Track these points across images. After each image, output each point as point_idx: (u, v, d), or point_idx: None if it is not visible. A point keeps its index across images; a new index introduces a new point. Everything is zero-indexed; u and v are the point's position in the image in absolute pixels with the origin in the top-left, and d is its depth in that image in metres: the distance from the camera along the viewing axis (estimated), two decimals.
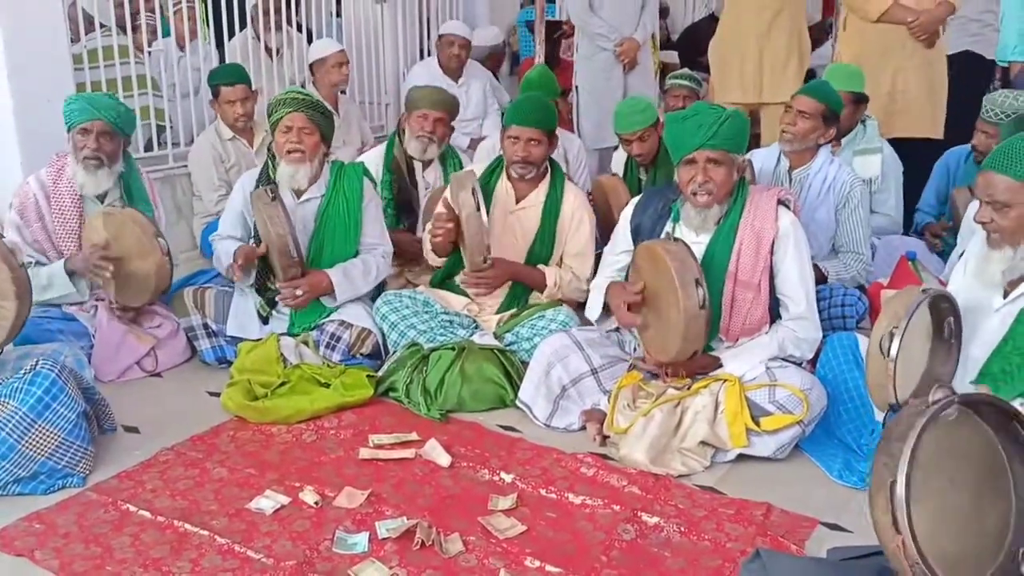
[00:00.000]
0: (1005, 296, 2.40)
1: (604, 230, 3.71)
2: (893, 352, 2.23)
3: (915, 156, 4.06)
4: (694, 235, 2.83)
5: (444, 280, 3.50)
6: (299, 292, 3.23)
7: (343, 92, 4.97)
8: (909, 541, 1.40)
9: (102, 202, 3.34)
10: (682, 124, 2.75)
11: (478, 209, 3.10)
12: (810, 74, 4.95)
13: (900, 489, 1.42)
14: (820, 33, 5.97)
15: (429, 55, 5.85)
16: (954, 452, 1.55)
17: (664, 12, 7.04)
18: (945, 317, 2.42)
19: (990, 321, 2.41)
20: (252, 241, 3.38)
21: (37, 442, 2.47)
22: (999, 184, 2.23)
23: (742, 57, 4.74)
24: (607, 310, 2.96)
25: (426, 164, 3.98)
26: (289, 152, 3.24)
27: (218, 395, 3.07)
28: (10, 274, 2.56)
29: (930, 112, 4.52)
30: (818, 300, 3.12)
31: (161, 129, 4.53)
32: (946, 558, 1.46)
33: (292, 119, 3.23)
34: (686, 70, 4.99)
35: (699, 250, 2.76)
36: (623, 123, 3.96)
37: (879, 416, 2.64)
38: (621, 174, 4.00)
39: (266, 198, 3.16)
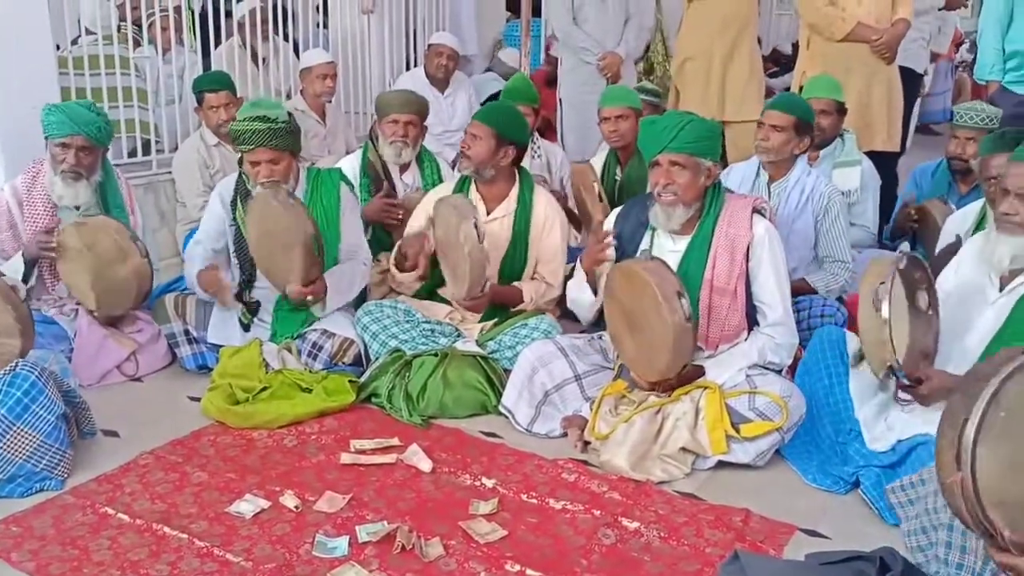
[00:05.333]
0: (1001, 289, 2.47)
1: (580, 214, 4.01)
2: (885, 308, 2.29)
3: (876, 168, 4.15)
4: (671, 243, 2.86)
5: (428, 293, 3.50)
6: (310, 299, 3.20)
7: (328, 102, 4.99)
8: (968, 480, 1.42)
9: (77, 209, 3.31)
10: (650, 128, 2.88)
11: (480, 241, 3.03)
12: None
13: (971, 428, 1.43)
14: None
15: (415, 66, 5.88)
16: None
17: None
18: (918, 288, 2.46)
19: (985, 314, 2.49)
20: (232, 250, 3.36)
21: (15, 444, 2.45)
22: None
23: (707, 76, 4.87)
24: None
25: (403, 168, 3.99)
26: (263, 182, 3.15)
27: (199, 400, 3.05)
28: (14, 313, 2.58)
29: (888, 126, 4.64)
30: (798, 311, 3.17)
31: (147, 142, 4.51)
32: (1019, 502, 1.49)
33: (256, 155, 3.15)
34: (645, 83, 5.06)
35: (675, 258, 2.81)
36: (606, 99, 4.15)
37: (864, 373, 2.66)
38: (599, 174, 4.09)
39: (285, 198, 3.06)
